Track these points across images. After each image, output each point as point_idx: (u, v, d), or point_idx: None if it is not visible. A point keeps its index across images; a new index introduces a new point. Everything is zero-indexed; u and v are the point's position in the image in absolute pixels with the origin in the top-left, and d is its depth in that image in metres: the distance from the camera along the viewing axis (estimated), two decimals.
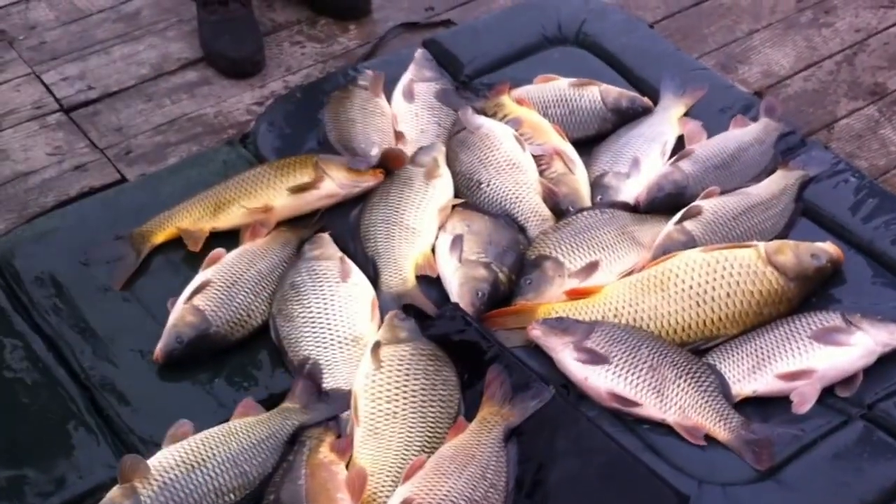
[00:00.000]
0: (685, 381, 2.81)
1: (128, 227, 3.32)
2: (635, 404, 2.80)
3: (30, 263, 3.27)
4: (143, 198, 3.48)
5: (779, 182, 3.34)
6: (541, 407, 2.75)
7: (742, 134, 3.51)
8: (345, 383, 2.89)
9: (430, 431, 2.76)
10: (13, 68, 4.28)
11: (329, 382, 2.92)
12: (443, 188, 3.38)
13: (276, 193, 3.32)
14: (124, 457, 2.65)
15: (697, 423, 2.76)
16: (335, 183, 3.34)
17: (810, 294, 3.08)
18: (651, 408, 2.80)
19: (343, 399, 2.86)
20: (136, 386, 2.97)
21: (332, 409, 2.86)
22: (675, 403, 2.79)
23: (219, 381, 2.99)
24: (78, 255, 3.28)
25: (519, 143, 3.46)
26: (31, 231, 3.44)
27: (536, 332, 2.93)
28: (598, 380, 2.85)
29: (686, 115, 3.63)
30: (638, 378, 2.81)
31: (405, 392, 2.80)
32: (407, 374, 2.83)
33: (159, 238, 3.30)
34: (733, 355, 2.92)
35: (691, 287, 2.99)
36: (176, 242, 3.31)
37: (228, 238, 3.30)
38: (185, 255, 3.28)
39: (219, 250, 3.21)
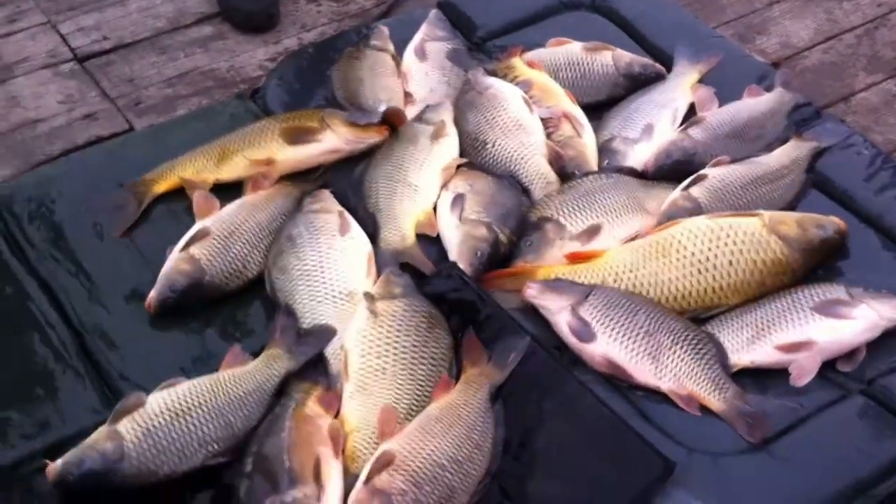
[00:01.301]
0: (681, 348, 2.71)
1: (131, 177, 3.24)
2: (629, 370, 2.70)
3: (30, 208, 3.20)
4: (149, 148, 3.40)
5: (790, 153, 3.24)
6: (524, 359, 2.67)
7: (755, 103, 3.41)
8: (337, 338, 2.80)
9: (419, 389, 2.67)
10: (29, 17, 4.24)
11: None
12: (448, 147, 3.29)
13: (280, 146, 3.24)
14: (131, 394, 2.62)
15: (692, 391, 2.67)
16: (339, 137, 3.25)
17: (815, 266, 2.97)
18: (645, 374, 2.70)
19: (325, 334, 2.79)
20: (127, 332, 2.90)
21: (316, 346, 2.78)
22: (669, 370, 2.69)
23: (210, 332, 2.91)
24: (79, 203, 3.21)
25: (527, 104, 3.36)
26: (34, 177, 3.40)
27: (531, 292, 2.84)
28: (595, 344, 2.75)
29: (699, 83, 3.52)
30: (633, 343, 2.72)
31: (395, 348, 2.72)
32: (398, 331, 2.74)
33: (161, 188, 3.22)
34: (732, 324, 2.82)
35: (693, 254, 2.89)
36: (178, 193, 3.22)
37: (231, 190, 3.21)
38: (187, 206, 3.18)
39: (204, 194, 3.13)
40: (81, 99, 3.86)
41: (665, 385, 2.69)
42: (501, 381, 2.65)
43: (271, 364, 2.73)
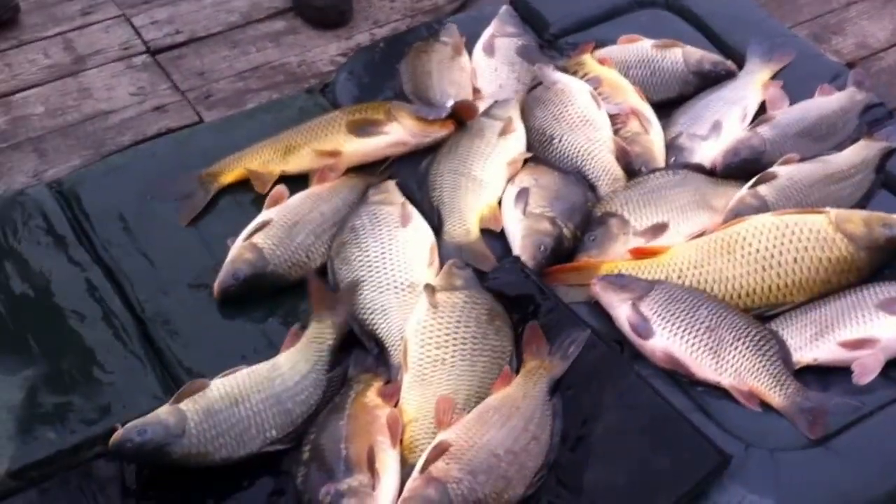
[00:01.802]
0: (743, 343, 2.72)
1: (198, 168, 3.30)
2: (689, 365, 2.72)
3: (97, 196, 3.28)
4: (216, 140, 3.46)
5: (860, 152, 3.24)
6: (584, 352, 2.70)
7: (826, 102, 3.41)
8: (399, 329, 2.85)
9: (478, 381, 2.70)
10: (104, 10, 4.33)
11: (384, 328, 2.88)
12: (514, 142, 3.32)
13: (346, 138, 3.29)
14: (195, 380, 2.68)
15: (752, 386, 2.68)
16: (405, 130, 3.29)
17: (882, 265, 2.96)
18: (706, 369, 2.72)
19: (352, 288, 2.87)
20: (189, 320, 2.96)
21: (349, 299, 2.86)
22: (730, 366, 2.71)
23: (272, 321, 2.96)
24: (146, 191, 3.27)
25: (595, 100, 3.39)
26: (103, 166, 3.46)
27: (597, 288, 2.87)
28: (654, 339, 2.77)
29: (771, 81, 3.53)
30: (694, 339, 2.74)
31: (455, 339, 2.75)
32: (458, 322, 2.78)
33: (228, 178, 3.28)
34: (796, 322, 2.83)
35: (758, 251, 2.90)
36: (245, 184, 3.28)
37: (298, 183, 3.26)
38: (254, 197, 3.25)
39: (280, 188, 3.19)
40: (153, 91, 3.94)
41: (726, 380, 2.70)
42: (561, 374, 2.68)
43: (319, 336, 2.79)
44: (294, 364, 2.74)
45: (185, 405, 2.60)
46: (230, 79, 4.00)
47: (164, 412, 2.59)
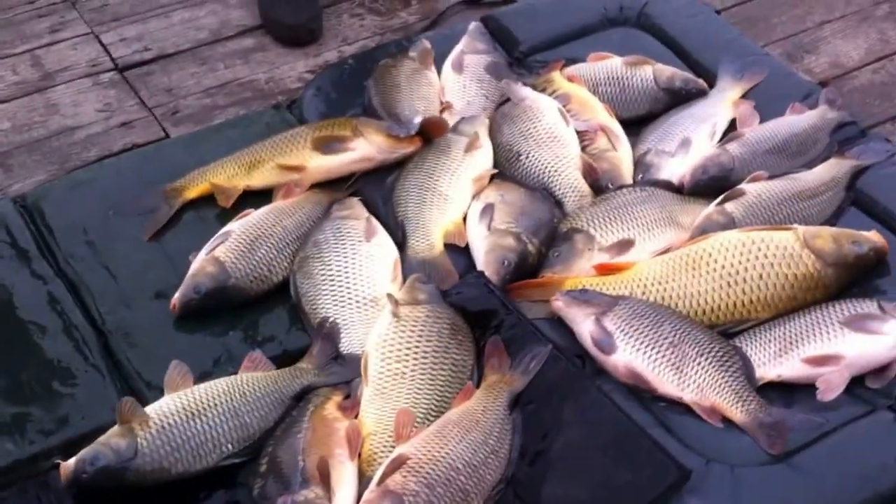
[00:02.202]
0: (706, 359, 2.73)
1: (164, 182, 3.31)
2: (651, 381, 2.73)
3: (61, 210, 3.29)
4: (182, 155, 3.46)
5: (829, 170, 3.25)
6: (545, 367, 2.72)
7: (797, 120, 3.42)
8: (360, 344, 2.86)
9: (438, 395, 2.71)
10: (73, 27, 4.33)
11: (345, 342, 2.90)
12: (481, 158, 3.33)
13: (311, 154, 3.29)
14: (123, 399, 2.66)
15: (714, 402, 2.69)
16: (371, 146, 3.31)
17: (850, 283, 2.97)
18: (668, 385, 2.73)
19: (358, 364, 2.82)
20: (149, 333, 2.97)
21: (346, 374, 2.84)
22: (693, 382, 2.72)
23: (233, 335, 2.96)
24: (110, 206, 3.28)
25: (563, 116, 3.41)
26: (68, 181, 3.46)
27: (558, 304, 2.88)
28: (617, 354, 2.78)
29: (742, 99, 3.55)
30: (657, 354, 2.74)
31: (416, 353, 2.76)
32: (420, 336, 2.79)
33: (192, 193, 3.29)
34: (760, 338, 2.84)
35: (723, 267, 2.91)
36: (210, 199, 3.29)
37: (263, 198, 3.27)
38: (218, 212, 3.26)
39: (247, 210, 3.20)
40: (119, 107, 3.95)
41: (688, 396, 2.71)
42: (521, 388, 2.69)
43: (297, 376, 2.80)
44: (257, 383, 2.75)
45: (136, 424, 2.60)
46: (197, 95, 4.01)
47: (114, 435, 2.60)
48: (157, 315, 3.01)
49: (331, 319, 2.92)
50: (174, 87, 4.04)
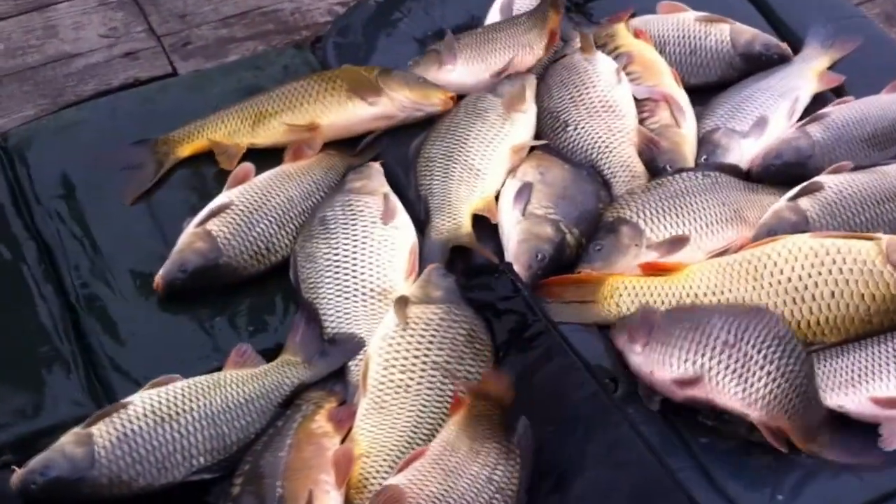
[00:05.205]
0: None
1: (162, 131, 3.19)
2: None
3: (45, 158, 3.20)
4: (187, 98, 3.37)
5: None
6: (571, 391, 2.59)
7: (892, 101, 3.23)
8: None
9: (445, 414, 2.56)
10: None
11: None
12: (522, 125, 3.18)
13: (324, 109, 3.16)
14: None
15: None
16: (393, 102, 3.17)
17: None
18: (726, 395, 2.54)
19: (352, 345, 2.72)
20: (127, 314, 2.88)
21: (338, 359, 2.72)
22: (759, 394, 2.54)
23: (220, 321, 2.86)
24: (95, 157, 3.17)
25: (622, 81, 3.23)
26: (56, 122, 3.37)
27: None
28: (663, 370, 2.59)
29: (830, 70, 3.37)
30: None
31: (424, 362, 2.63)
32: (430, 342, 2.66)
33: (186, 150, 3.18)
34: (826, 366, 2.67)
35: (790, 280, 2.73)
36: (208, 156, 3.16)
37: (270, 157, 3.13)
38: (217, 173, 3.13)
39: (246, 166, 3.07)
40: (126, 33, 3.86)
41: (754, 413, 2.53)
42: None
43: (284, 372, 2.68)
44: (241, 385, 2.63)
45: (97, 428, 2.49)
46: (213, 24, 3.90)
47: (69, 441, 2.49)
48: (138, 292, 2.92)
49: (330, 311, 2.79)
50: (188, 14, 3.97)
